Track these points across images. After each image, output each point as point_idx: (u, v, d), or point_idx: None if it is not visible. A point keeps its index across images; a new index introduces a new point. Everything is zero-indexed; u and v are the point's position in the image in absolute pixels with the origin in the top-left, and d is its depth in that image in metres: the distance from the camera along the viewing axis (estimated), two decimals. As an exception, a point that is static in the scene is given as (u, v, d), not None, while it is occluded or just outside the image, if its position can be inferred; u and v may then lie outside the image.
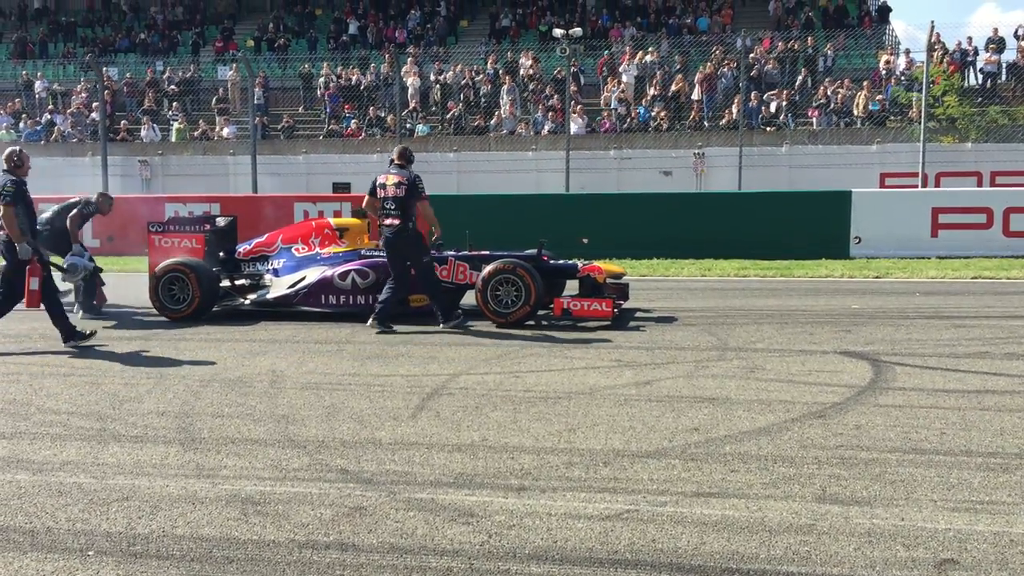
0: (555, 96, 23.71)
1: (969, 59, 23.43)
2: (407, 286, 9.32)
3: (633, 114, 23.28)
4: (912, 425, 5.40)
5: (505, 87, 24.16)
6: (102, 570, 3.52)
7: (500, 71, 25.10)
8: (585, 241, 13.51)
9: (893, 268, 13.92)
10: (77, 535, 3.87)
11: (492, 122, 23.90)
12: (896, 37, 27.69)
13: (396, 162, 9.31)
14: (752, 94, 22.09)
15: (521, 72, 24.83)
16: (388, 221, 9.10)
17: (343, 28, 30.09)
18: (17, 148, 8.67)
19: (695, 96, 23.23)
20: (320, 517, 4.03)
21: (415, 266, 9.20)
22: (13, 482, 4.56)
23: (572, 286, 9.90)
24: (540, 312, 9.46)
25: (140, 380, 6.94)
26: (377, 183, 9.22)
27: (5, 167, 8.43)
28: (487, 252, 9.99)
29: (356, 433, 5.37)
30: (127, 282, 11.86)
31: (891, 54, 24.14)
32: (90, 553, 3.68)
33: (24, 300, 8.36)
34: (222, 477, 4.60)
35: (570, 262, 9.94)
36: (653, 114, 22.98)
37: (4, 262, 8.60)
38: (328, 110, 25.31)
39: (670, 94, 23.35)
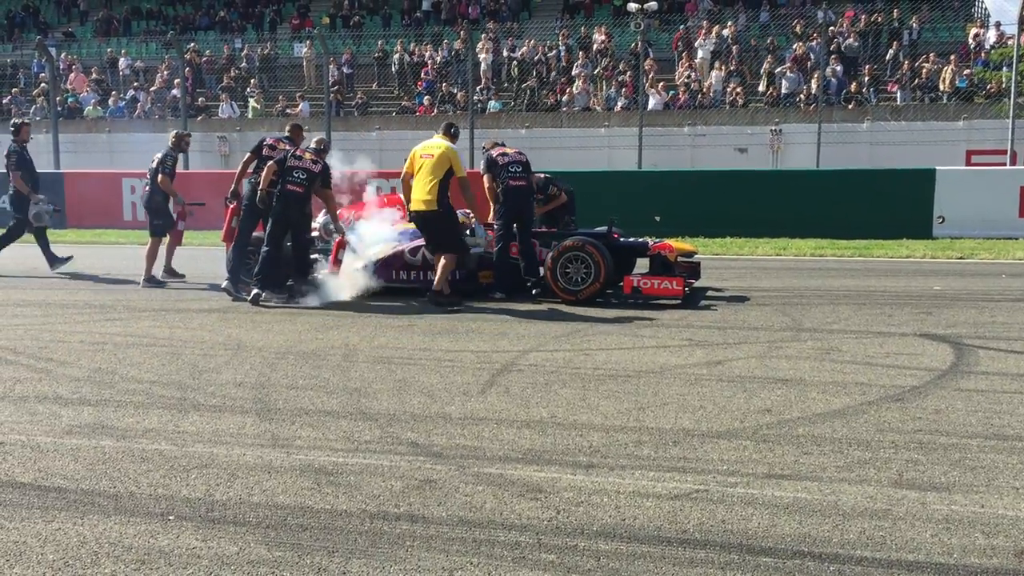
0: (628, 72, 23.44)
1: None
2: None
3: (706, 88, 22.88)
4: (994, 410, 5.24)
5: (579, 63, 23.96)
6: (182, 534, 3.63)
7: (573, 46, 24.89)
8: (658, 219, 13.38)
9: (978, 249, 13.47)
10: (158, 500, 4.00)
11: (564, 98, 23.75)
12: (985, 9, 26.58)
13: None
14: (831, 69, 21.51)
15: (594, 48, 24.58)
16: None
17: (416, 4, 30.18)
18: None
19: (761, 87, 22.73)
20: (391, 489, 4.09)
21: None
22: (99, 448, 4.73)
23: (643, 264, 9.82)
24: (609, 290, 9.42)
25: (218, 352, 7.12)
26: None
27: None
28: (556, 229, 9.98)
29: (426, 407, 5.43)
30: (205, 256, 12.15)
31: (980, 27, 23.21)
32: (171, 518, 3.80)
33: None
34: (296, 447, 4.70)
35: (640, 240, 9.85)
36: (728, 89, 22.57)
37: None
38: (427, 84, 25.21)
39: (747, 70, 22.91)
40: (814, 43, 22.45)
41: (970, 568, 3.28)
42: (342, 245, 9.77)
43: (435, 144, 9.33)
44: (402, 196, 9.70)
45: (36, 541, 3.57)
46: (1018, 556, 3.38)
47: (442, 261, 9.07)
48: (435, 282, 9.08)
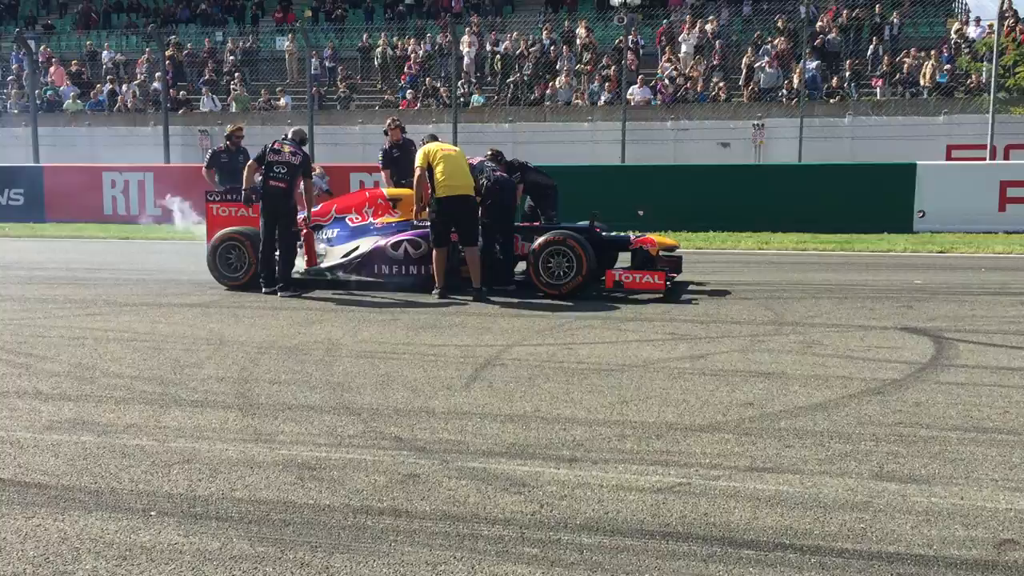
0: (612, 67, 23.44)
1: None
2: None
3: (688, 82, 22.91)
4: (974, 403, 5.29)
5: (564, 56, 23.93)
6: (163, 530, 3.62)
7: (556, 41, 24.85)
8: (641, 213, 13.42)
9: (958, 243, 13.58)
10: (140, 496, 3.98)
11: (548, 92, 23.72)
12: (966, 4, 26.79)
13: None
14: (815, 64, 21.58)
15: (577, 42, 24.56)
16: None
17: (399, -3, 30.01)
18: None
19: (741, 82, 22.77)
20: (374, 483, 4.09)
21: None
22: (79, 443, 4.69)
23: (625, 258, 9.83)
24: (591, 284, 9.43)
25: (200, 346, 7.08)
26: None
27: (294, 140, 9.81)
28: (539, 223, 9.98)
29: (410, 402, 5.43)
30: (186, 250, 12.08)
31: (962, 23, 23.36)
32: (152, 513, 3.78)
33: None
34: (279, 442, 4.69)
35: (622, 234, 9.87)
36: (712, 84, 22.60)
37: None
38: (410, 78, 25.07)
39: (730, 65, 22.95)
40: (789, 44, 22.49)
41: (950, 559, 3.31)
42: (309, 238, 9.86)
43: (448, 145, 9.70)
44: (414, 190, 9.60)
45: (16, 537, 3.55)
46: (997, 548, 3.41)
47: (471, 258, 9.26)
48: (474, 281, 9.25)
